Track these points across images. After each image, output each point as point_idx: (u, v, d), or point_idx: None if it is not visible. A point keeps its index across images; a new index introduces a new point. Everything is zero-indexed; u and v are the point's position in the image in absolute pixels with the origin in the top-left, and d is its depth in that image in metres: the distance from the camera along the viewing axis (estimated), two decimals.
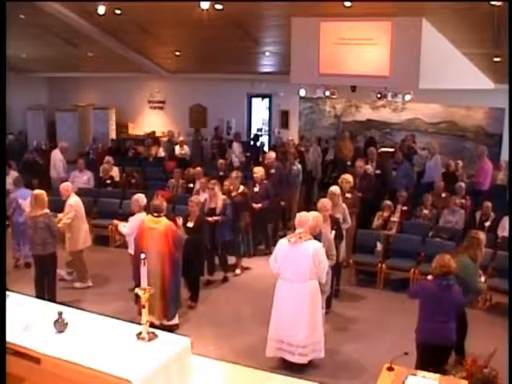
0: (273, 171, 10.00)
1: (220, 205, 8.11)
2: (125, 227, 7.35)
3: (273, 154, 10.52)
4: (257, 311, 7.15)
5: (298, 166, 10.82)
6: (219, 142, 14.81)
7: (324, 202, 6.99)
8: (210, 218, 7.94)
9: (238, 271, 8.73)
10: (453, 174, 11.15)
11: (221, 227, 8.10)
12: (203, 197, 8.70)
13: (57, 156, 11.98)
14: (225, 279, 8.42)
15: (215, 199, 8.15)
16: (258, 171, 9.20)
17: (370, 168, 10.43)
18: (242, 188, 8.71)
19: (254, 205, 8.88)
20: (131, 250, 7.09)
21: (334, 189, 7.80)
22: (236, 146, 13.68)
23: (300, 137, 14.53)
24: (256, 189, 9.06)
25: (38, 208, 6.94)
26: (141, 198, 7.37)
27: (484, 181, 10.83)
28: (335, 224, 7.07)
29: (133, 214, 7.33)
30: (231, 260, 8.71)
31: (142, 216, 7.04)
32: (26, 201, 8.21)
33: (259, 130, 17.03)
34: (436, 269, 5.11)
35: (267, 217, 9.45)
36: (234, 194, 8.64)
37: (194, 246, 7.24)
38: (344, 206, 7.84)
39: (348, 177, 8.60)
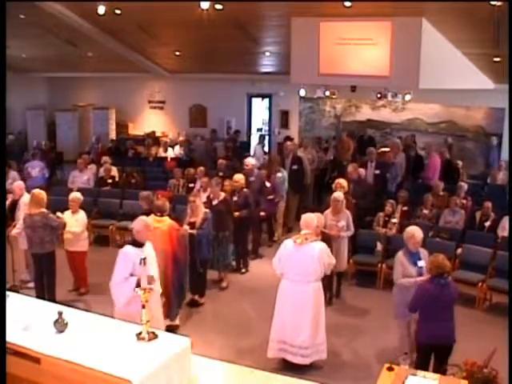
0: (252, 179, 9.33)
1: (200, 219, 7.34)
2: (76, 227, 7.65)
3: (252, 161, 9.81)
4: (258, 312, 7.15)
5: (283, 173, 10.16)
6: (233, 145, 14.80)
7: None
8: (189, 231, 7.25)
9: (224, 284, 8.21)
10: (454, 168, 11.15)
11: (199, 243, 7.25)
12: (204, 196, 8.69)
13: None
14: (193, 302, 7.48)
15: (196, 212, 7.39)
16: (239, 179, 8.64)
17: (363, 172, 9.96)
18: (222, 195, 8.20)
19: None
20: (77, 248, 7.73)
21: (338, 195, 7.51)
22: (257, 148, 13.67)
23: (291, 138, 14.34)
24: (235, 198, 8.52)
25: (35, 207, 6.92)
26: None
27: (433, 176, 10.97)
28: (325, 240, 6.42)
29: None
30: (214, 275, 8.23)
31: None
32: (35, 169, 11.48)
33: (259, 129, 17.03)
34: (432, 269, 5.12)
35: (247, 228, 8.84)
36: (215, 202, 8.10)
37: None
38: (348, 212, 7.55)
39: (342, 181, 8.24)
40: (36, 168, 11.69)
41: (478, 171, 12.79)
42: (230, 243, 8.28)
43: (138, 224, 5.49)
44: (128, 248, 5.40)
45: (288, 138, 14.21)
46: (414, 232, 5.81)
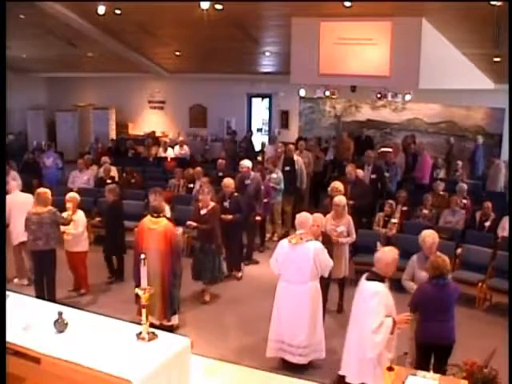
0: (248, 182, 8.97)
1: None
2: (75, 228, 7.54)
3: (247, 163, 9.24)
4: (257, 311, 7.14)
5: (278, 174, 9.90)
6: (247, 146, 14.79)
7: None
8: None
9: (206, 298, 7.68)
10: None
11: None
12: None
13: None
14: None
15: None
16: (229, 184, 8.24)
17: (361, 172, 9.64)
18: (212, 205, 7.57)
19: (223, 216, 7.89)
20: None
21: (339, 199, 7.17)
22: (269, 148, 13.71)
23: (303, 138, 14.35)
24: (226, 203, 8.13)
25: (42, 205, 7.01)
26: None
27: (425, 175, 11.04)
28: (326, 243, 6.27)
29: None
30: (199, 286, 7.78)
31: None
32: (49, 159, 12.84)
33: (259, 129, 17.04)
34: (431, 270, 5.11)
35: (239, 233, 8.50)
36: (203, 211, 7.54)
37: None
38: (349, 218, 7.22)
39: (338, 185, 7.82)
40: (50, 158, 12.98)
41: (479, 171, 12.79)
42: (218, 256, 7.63)
43: (389, 255, 4.72)
44: (379, 287, 4.66)
45: (300, 139, 14.24)
46: (425, 237, 5.64)
